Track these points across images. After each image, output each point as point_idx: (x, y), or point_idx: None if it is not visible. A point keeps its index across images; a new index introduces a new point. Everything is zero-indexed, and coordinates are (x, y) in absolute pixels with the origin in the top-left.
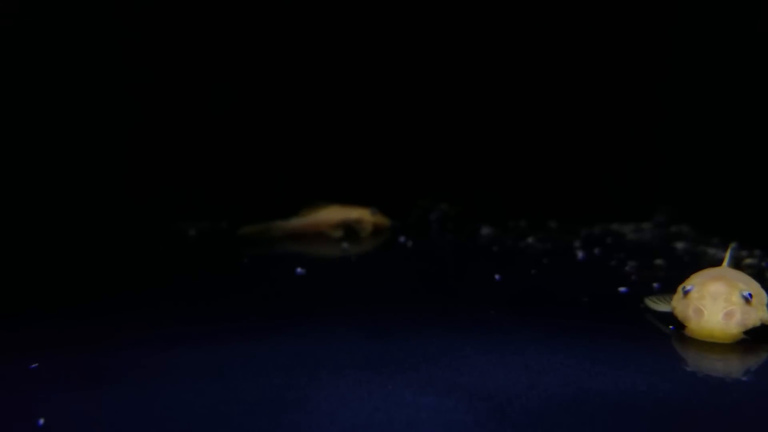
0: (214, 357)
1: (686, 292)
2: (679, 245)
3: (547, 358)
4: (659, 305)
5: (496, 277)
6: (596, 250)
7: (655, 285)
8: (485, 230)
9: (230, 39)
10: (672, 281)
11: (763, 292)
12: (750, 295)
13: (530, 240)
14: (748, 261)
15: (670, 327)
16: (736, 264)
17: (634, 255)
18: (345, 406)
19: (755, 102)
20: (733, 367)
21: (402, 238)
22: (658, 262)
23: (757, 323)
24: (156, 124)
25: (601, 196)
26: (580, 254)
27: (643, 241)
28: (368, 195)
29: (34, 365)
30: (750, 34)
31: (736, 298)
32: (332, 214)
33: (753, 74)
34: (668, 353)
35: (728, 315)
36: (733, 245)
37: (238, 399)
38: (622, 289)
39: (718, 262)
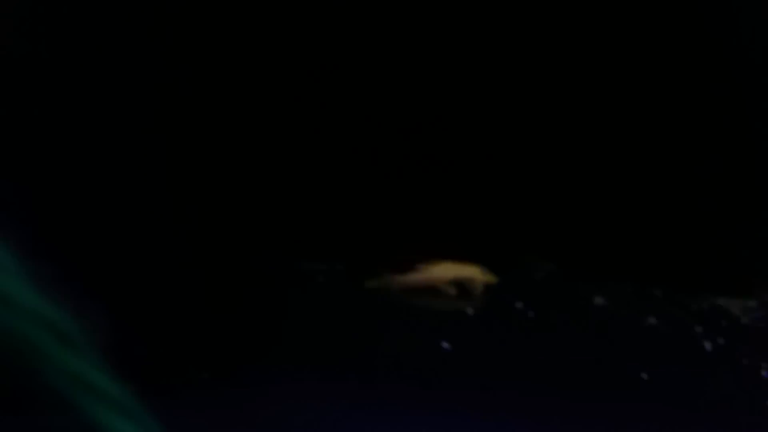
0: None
1: None
2: None
3: None
4: None
5: (644, 376)
6: (720, 340)
7: None
8: (598, 300)
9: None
10: None
11: None
12: None
13: (651, 320)
14: None
15: None
16: None
17: (763, 351)
18: None
19: None
20: None
21: (519, 304)
22: None
23: None
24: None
25: (703, 265)
26: (707, 345)
27: (758, 327)
28: (465, 250)
29: None
30: None
31: None
32: (446, 271)
33: None
34: None
35: None
36: None
37: None
38: None
39: None
